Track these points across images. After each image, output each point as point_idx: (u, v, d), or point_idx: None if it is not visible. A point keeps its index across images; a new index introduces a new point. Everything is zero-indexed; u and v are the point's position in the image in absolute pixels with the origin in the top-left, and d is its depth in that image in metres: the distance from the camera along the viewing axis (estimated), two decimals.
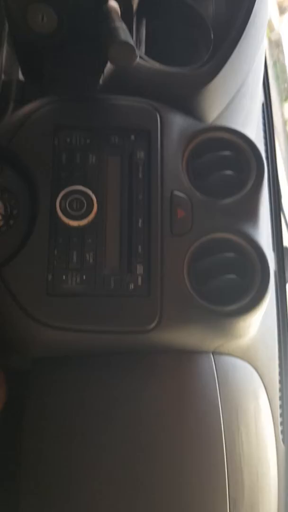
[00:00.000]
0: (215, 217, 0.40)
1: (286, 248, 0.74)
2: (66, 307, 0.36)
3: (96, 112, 0.40)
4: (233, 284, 0.40)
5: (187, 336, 0.39)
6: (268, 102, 0.65)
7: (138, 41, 0.47)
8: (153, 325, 0.37)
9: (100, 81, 0.43)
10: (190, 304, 0.38)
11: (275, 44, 1.88)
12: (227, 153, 0.41)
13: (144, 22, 0.47)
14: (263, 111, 0.64)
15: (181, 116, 0.42)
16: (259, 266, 0.39)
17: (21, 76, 0.52)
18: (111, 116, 0.40)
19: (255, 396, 0.46)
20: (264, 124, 0.67)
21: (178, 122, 0.41)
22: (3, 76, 0.51)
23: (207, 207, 0.40)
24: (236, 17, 0.44)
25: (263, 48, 0.52)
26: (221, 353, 0.44)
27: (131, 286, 0.37)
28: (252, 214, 0.41)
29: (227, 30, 0.46)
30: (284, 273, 0.64)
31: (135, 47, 0.35)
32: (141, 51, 0.46)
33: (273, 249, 0.69)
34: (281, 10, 2.05)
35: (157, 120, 0.40)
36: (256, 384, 0.47)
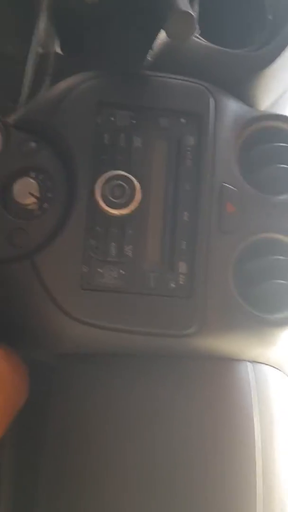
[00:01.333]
0: (267, 215, 0.36)
1: None
2: (101, 303, 0.33)
3: (144, 90, 0.36)
4: (282, 290, 0.36)
5: (228, 344, 0.36)
6: None
7: None
8: (192, 329, 0.34)
9: (149, 57, 0.39)
10: (235, 309, 0.35)
11: None
12: (283, 144, 0.37)
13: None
14: None
15: (235, 101, 0.38)
16: None
17: (58, 50, 0.49)
18: (160, 96, 0.36)
19: None
20: None
21: (232, 107, 0.37)
22: (40, 49, 0.48)
23: (259, 204, 0.36)
24: None
25: None
26: (258, 362, 0.41)
27: (172, 285, 0.34)
28: None
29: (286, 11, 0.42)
30: None
31: (194, 18, 0.31)
32: None
33: None
34: None
35: (210, 103, 0.36)
36: None
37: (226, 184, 0.36)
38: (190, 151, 0.36)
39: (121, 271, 0.34)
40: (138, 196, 0.34)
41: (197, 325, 0.34)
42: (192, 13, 0.30)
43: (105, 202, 0.34)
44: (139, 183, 0.34)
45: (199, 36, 0.41)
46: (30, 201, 0.34)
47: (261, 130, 0.38)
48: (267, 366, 0.42)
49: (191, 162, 0.36)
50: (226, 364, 0.38)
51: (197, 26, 0.44)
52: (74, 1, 0.39)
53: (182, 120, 0.36)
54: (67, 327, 0.33)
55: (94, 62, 0.41)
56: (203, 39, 0.41)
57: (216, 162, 0.36)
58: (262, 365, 0.41)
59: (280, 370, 0.44)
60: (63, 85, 0.36)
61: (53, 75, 0.45)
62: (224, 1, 0.46)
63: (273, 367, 0.43)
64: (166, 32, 0.31)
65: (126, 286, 0.34)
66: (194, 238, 0.35)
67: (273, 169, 0.37)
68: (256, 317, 0.35)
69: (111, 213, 0.34)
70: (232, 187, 0.36)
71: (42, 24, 0.50)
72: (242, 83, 0.40)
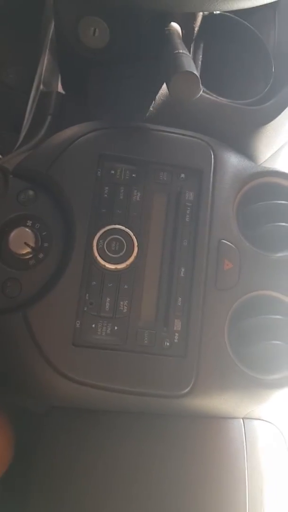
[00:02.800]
0: (264, 272, 0.36)
1: None
2: (93, 361, 0.32)
3: (145, 144, 0.36)
4: (278, 351, 0.36)
5: (222, 404, 0.35)
6: None
7: (196, 65, 0.43)
8: (186, 390, 0.33)
9: (151, 108, 0.39)
10: (229, 369, 0.34)
11: None
12: (282, 202, 0.37)
13: (201, 46, 0.44)
14: None
15: (236, 155, 0.38)
16: None
17: (61, 89, 0.48)
18: (161, 150, 0.36)
19: (282, 459, 0.42)
20: None
21: (232, 162, 0.37)
22: (42, 87, 0.48)
23: (257, 260, 0.36)
24: None
25: None
26: (251, 418, 0.40)
27: (167, 343, 0.34)
28: None
29: None
30: None
31: (199, 80, 0.31)
32: None
33: None
34: None
35: (211, 158, 0.36)
36: (282, 447, 0.43)
37: (224, 241, 0.36)
38: (189, 207, 0.35)
39: (115, 327, 0.33)
40: (135, 251, 0.34)
41: (191, 385, 0.33)
42: (197, 74, 0.30)
43: (101, 256, 0.33)
44: (137, 237, 0.34)
45: (204, 89, 0.41)
46: (25, 251, 0.33)
47: (261, 186, 0.38)
48: (259, 421, 0.41)
49: (190, 217, 0.35)
50: (219, 423, 0.38)
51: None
52: (77, 45, 0.39)
53: (182, 175, 0.36)
54: (56, 384, 0.32)
55: (96, 107, 0.41)
56: (207, 91, 0.41)
57: (214, 218, 0.36)
58: (254, 420, 0.41)
59: (271, 423, 0.44)
60: (63, 135, 0.35)
61: (55, 115, 0.45)
62: (228, 51, 0.46)
63: (265, 420, 0.42)
64: (170, 93, 0.31)
65: (120, 343, 0.33)
66: (190, 295, 0.34)
67: (272, 227, 0.37)
68: (251, 378, 0.34)
69: (107, 267, 0.33)
70: (230, 244, 0.36)
71: (45, 62, 0.50)
72: (244, 136, 0.40)
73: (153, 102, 0.39)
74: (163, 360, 0.33)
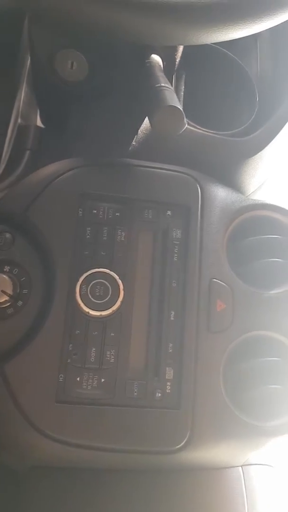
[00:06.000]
0: (259, 311, 0.34)
1: None
2: (77, 418, 0.29)
3: (129, 180, 0.34)
4: (276, 395, 0.33)
5: (219, 454, 0.33)
6: None
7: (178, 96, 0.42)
8: (181, 444, 0.30)
9: (133, 142, 0.37)
10: (227, 418, 0.32)
11: None
12: (274, 236, 0.36)
13: (183, 77, 0.43)
14: None
15: (223, 189, 0.36)
16: None
17: (40, 122, 0.47)
18: (145, 187, 0.34)
19: (283, 502, 0.39)
20: None
21: (220, 196, 0.35)
22: (19, 120, 0.46)
23: (250, 299, 0.34)
24: None
25: None
26: (249, 464, 0.38)
27: (158, 394, 0.31)
28: None
29: (276, 93, 0.41)
30: None
31: (183, 114, 0.29)
32: None
33: None
34: None
35: (197, 193, 0.34)
36: (282, 489, 0.41)
37: (215, 280, 0.34)
38: (177, 245, 0.34)
39: (101, 379, 0.30)
40: (121, 296, 0.31)
41: (186, 439, 0.31)
42: (181, 109, 0.29)
43: (85, 303, 0.31)
44: (123, 281, 0.32)
45: (187, 121, 0.40)
46: (2, 299, 0.31)
47: (251, 220, 0.36)
48: (258, 465, 0.39)
49: (178, 256, 0.33)
50: (217, 474, 0.35)
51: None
52: (55, 79, 0.38)
53: (169, 212, 0.34)
54: (39, 444, 0.29)
55: (76, 142, 0.39)
56: (191, 123, 0.39)
57: (204, 256, 0.34)
58: (253, 466, 0.38)
59: (269, 465, 0.41)
60: (41, 173, 0.33)
61: (34, 150, 0.43)
62: (211, 81, 0.45)
63: (263, 464, 0.40)
64: (153, 128, 0.29)
65: (107, 396, 0.30)
66: (182, 340, 0.32)
67: (264, 262, 0.35)
68: (249, 426, 0.32)
69: (91, 315, 0.31)
70: (221, 283, 0.34)
71: (22, 94, 0.48)
72: (230, 168, 0.38)
73: (136, 136, 0.37)
74: (155, 413, 0.31)
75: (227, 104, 0.44)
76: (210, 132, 0.39)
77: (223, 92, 0.45)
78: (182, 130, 0.30)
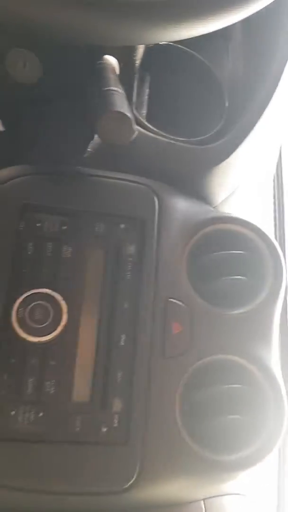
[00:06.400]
0: (221, 333, 0.31)
1: None
2: (13, 457, 0.26)
3: (78, 191, 0.31)
4: (237, 424, 0.31)
5: (174, 491, 0.30)
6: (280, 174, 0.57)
7: (139, 103, 0.39)
8: (130, 483, 0.27)
9: (89, 149, 0.34)
10: (181, 451, 0.29)
11: None
12: (238, 252, 0.33)
13: (148, 79, 0.40)
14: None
15: (184, 200, 0.33)
16: (272, 404, 0.31)
17: None
18: (96, 198, 0.31)
19: None
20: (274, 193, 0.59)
21: (180, 209, 0.33)
22: None
23: (211, 320, 0.31)
24: (259, 84, 0.37)
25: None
26: (213, 496, 0.35)
27: (104, 429, 0.28)
28: (265, 331, 0.32)
29: (245, 97, 0.39)
30: None
31: (132, 121, 0.27)
32: (141, 115, 0.38)
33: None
34: None
35: (154, 205, 0.32)
36: None
37: (172, 299, 0.31)
38: (130, 262, 0.31)
39: (39, 413, 0.27)
40: (64, 319, 0.28)
41: (135, 477, 0.28)
42: (128, 115, 0.26)
43: (22, 327, 0.28)
44: (67, 303, 0.29)
45: (145, 124, 0.37)
46: None
47: (214, 234, 0.33)
48: (223, 496, 0.36)
49: (131, 274, 0.30)
50: (173, 510, 0.32)
51: (143, 113, 0.40)
52: (5, 80, 0.35)
53: (122, 225, 0.31)
54: None
55: (29, 148, 0.37)
56: (153, 129, 0.37)
57: (160, 273, 0.31)
58: (217, 498, 0.35)
59: (238, 494, 0.38)
60: None
61: None
62: (178, 85, 0.43)
63: (231, 494, 0.37)
64: (98, 135, 0.27)
65: (46, 432, 0.27)
66: (133, 368, 0.29)
67: (227, 280, 0.32)
68: (207, 460, 0.29)
69: (29, 340, 0.28)
70: (179, 303, 0.31)
71: None
72: (194, 178, 0.36)
73: (91, 142, 0.35)
74: (98, 450, 0.27)
75: (196, 109, 0.42)
76: (174, 140, 0.36)
77: (191, 96, 0.42)
78: (131, 139, 0.27)
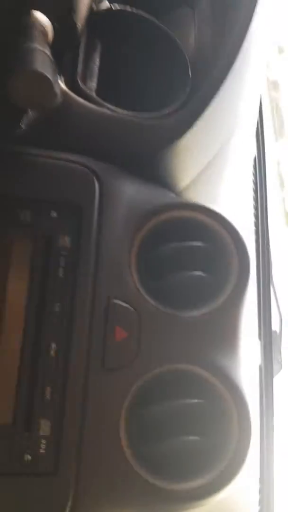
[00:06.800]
0: (175, 339, 0.27)
1: (275, 332, 0.61)
2: None
3: (2, 172, 0.26)
4: (195, 447, 0.26)
5: None
6: (262, 152, 0.52)
7: (88, 73, 0.34)
8: None
9: (22, 125, 0.30)
10: (125, 478, 0.24)
11: (272, 84, 1.81)
12: (197, 243, 0.28)
13: (98, 47, 0.35)
14: (254, 168, 0.52)
15: (133, 183, 0.29)
16: (236, 422, 0.26)
17: None
18: (23, 180, 0.26)
19: None
20: (255, 183, 0.54)
21: (126, 194, 0.28)
22: None
23: (163, 324, 0.27)
24: (222, 50, 0.32)
25: (257, 92, 0.40)
26: None
27: (27, 457, 0.23)
28: (228, 336, 0.27)
29: (208, 66, 0.34)
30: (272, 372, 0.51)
31: (51, 80, 0.22)
32: (90, 87, 0.33)
33: (259, 336, 0.56)
34: (280, 49, 2.00)
35: (94, 189, 0.27)
36: None
37: (116, 301, 0.26)
38: (64, 256, 0.26)
39: None
40: None
41: (69, 511, 0.23)
42: (44, 73, 0.21)
43: None
44: None
45: (94, 98, 0.32)
46: None
47: (170, 224, 0.29)
48: None
49: (65, 271, 0.26)
50: None
51: (92, 85, 0.36)
52: None
53: (53, 213, 0.26)
54: None
55: None
56: (102, 102, 0.32)
57: (101, 270, 0.26)
58: None
59: None
60: None
61: None
62: (137, 56, 0.38)
63: None
64: (8, 96, 0.22)
65: None
66: (65, 383, 0.24)
67: (183, 277, 0.28)
68: (154, 489, 0.25)
69: None
70: (124, 304, 0.26)
71: None
72: (152, 158, 0.31)
73: (25, 116, 0.30)
74: (22, 482, 0.23)
75: (157, 82, 0.37)
76: (123, 114, 0.31)
77: (153, 69, 0.37)
78: (53, 104, 0.22)
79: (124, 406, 0.25)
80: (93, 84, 0.35)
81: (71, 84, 0.33)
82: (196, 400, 0.26)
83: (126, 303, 0.26)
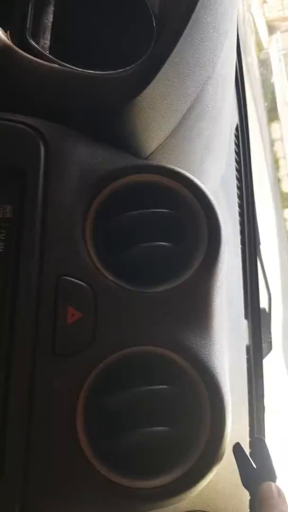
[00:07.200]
0: (137, 318, 0.24)
1: (264, 310, 0.57)
2: None
3: None
4: (160, 439, 0.23)
5: None
6: (244, 126, 0.49)
7: (41, 29, 0.31)
8: None
9: None
10: (84, 477, 0.21)
11: (264, 64, 1.76)
12: (161, 210, 0.25)
13: (51, 2, 0.32)
14: (237, 137, 0.49)
15: (88, 147, 0.25)
16: (209, 410, 0.23)
17: None
18: None
19: None
20: (238, 153, 0.51)
21: (79, 157, 0.24)
22: None
23: (124, 302, 0.23)
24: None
25: (231, 50, 0.37)
26: None
27: None
28: (199, 313, 0.24)
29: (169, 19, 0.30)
30: (261, 353, 0.48)
31: None
32: (42, 45, 0.30)
33: (246, 316, 0.52)
34: (270, 29, 1.95)
35: (39, 151, 0.24)
36: None
37: (67, 277, 0.23)
38: (5, 228, 0.23)
39: None
40: None
41: None
42: None
43: None
44: None
45: (45, 54, 0.29)
46: None
47: (130, 190, 0.25)
48: None
49: (6, 246, 0.22)
50: None
51: (44, 42, 0.32)
52: None
53: None
54: None
55: None
56: (48, 57, 0.28)
57: (49, 243, 0.23)
58: None
59: None
60: None
61: None
62: (97, 10, 0.34)
63: None
64: None
65: None
66: (9, 372, 0.21)
67: (146, 248, 0.24)
68: (120, 488, 0.22)
69: None
70: (77, 281, 0.23)
71: None
72: (105, 118, 0.27)
73: None
74: None
75: (118, 39, 0.33)
76: (81, 71, 0.28)
77: (114, 24, 0.34)
78: None
79: (80, 397, 0.22)
80: (45, 41, 0.31)
81: (20, 40, 0.29)
82: (163, 386, 0.23)
83: (80, 280, 0.23)
